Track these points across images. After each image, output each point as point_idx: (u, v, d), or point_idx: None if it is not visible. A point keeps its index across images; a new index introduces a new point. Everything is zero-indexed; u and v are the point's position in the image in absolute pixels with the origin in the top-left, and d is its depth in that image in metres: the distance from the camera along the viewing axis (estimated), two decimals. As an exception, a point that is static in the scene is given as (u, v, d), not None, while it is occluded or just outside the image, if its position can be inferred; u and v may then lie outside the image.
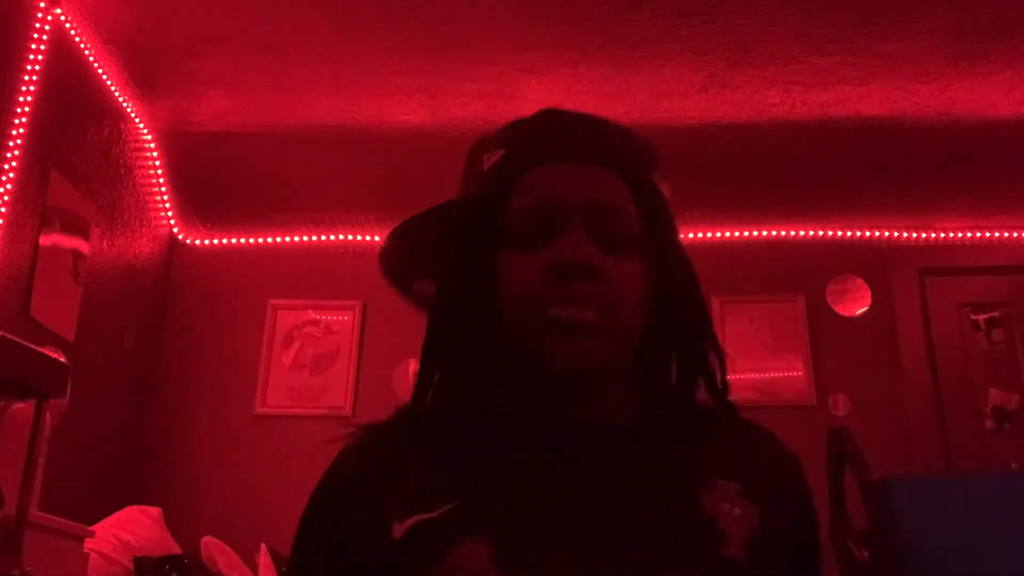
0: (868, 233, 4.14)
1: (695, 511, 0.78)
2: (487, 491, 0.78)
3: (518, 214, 0.83)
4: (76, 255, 3.29)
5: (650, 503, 0.78)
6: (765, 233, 4.17)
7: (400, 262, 0.97)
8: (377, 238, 4.10)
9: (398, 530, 0.76)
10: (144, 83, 3.50)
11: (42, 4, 3.02)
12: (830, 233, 4.16)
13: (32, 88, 2.97)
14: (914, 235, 4.13)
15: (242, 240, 4.23)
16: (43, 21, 3.02)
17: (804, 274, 4.09)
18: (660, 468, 0.81)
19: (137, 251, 3.83)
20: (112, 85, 3.47)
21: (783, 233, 4.17)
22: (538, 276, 0.80)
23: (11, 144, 2.89)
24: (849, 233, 4.15)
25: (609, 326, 0.80)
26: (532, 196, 0.83)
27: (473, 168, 0.90)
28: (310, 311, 4.10)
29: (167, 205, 4.06)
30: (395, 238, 0.96)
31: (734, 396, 0.92)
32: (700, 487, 0.79)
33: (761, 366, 3.98)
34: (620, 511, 0.77)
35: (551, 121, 0.90)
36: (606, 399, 0.84)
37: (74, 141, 3.28)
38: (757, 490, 0.81)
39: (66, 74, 3.18)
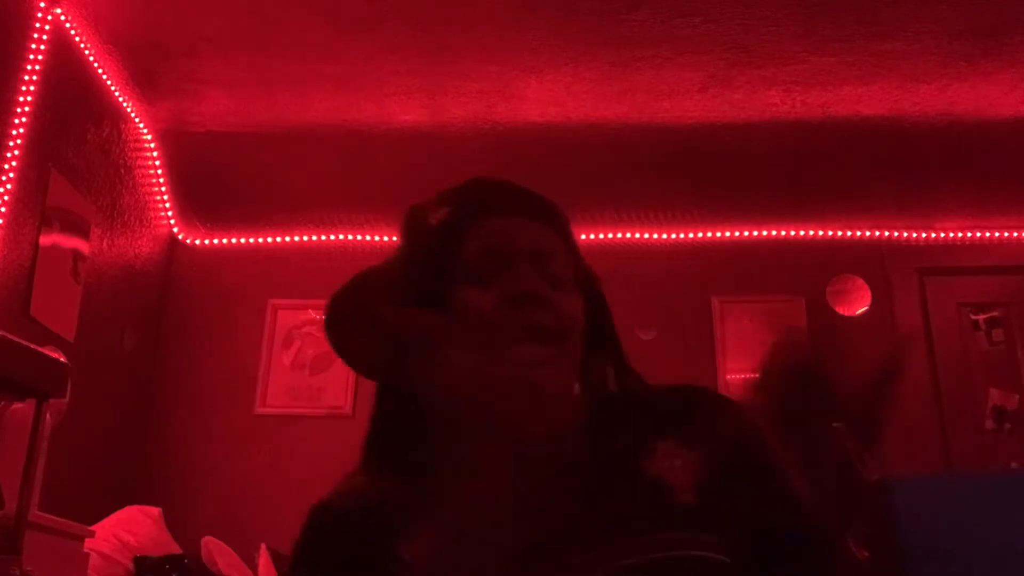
0: (868, 233, 4.14)
1: (639, 476, 0.87)
2: (467, 499, 0.82)
3: (473, 255, 0.93)
4: (76, 255, 3.29)
5: (605, 485, 0.87)
6: (765, 233, 4.17)
7: (345, 325, 1.05)
8: (377, 238, 4.11)
9: (406, 550, 0.80)
10: (144, 83, 3.50)
11: (42, 4, 3.02)
12: (830, 233, 4.16)
13: (32, 88, 2.97)
14: (914, 235, 4.13)
15: (242, 240, 4.23)
16: (43, 21, 3.02)
17: (804, 274, 4.09)
18: (606, 453, 0.90)
19: (137, 251, 3.83)
20: (112, 85, 3.47)
21: (783, 233, 4.16)
22: (493, 303, 0.89)
23: (11, 144, 2.89)
24: (849, 233, 4.15)
25: (562, 356, 0.90)
26: (485, 240, 0.93)
27: (416, 225, 1.00)
28: (310, 311, 4.09)
29: (167, 205, 4.06)
30: (338, 305, 1.06)
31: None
32: (641, 456, 0.88)
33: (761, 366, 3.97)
34: (580, 498, 0.85)
35: (485, 185, 1.02)
36: (554, 422, 0.91)
37: (74, 141, 3.28)
38: (694, 437, 0.90)
39: (66, 74, 3.18)
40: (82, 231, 3.33)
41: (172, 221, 4.14)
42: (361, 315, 1.02)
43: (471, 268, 0.92)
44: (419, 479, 0.86)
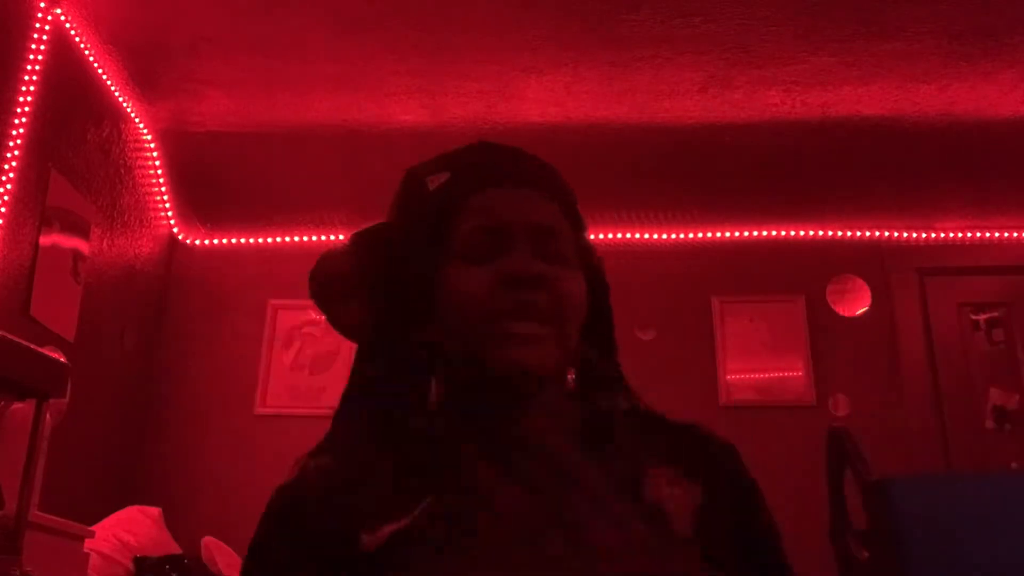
0: (868, 233, 4.14)
1: (637, 498, 0.83)
2: (449, 499, 0.80)
3: (469, 231, 0.89)
4: (76, 255, 3.29)
5: (597, 499, 0.82)
6: (765, 233, 4.17)
7: (337, 287, 1.00)
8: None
9: (368, 542, 0.77)
10: (144, 83, 3.50)
11: (42, 4, 3.02)
12: (830, 233, 4.16)
13: (32, 88, 2.97)
14: (914, 235, 4.13)
15: (242, 240, 4.23)
16: (43, 21, 3.02)
17: (804, 274, 4.09)
18: (602, 467, 0.85)
19: (137, 251, 3.83)
20: (112, 85, 3.47)
21: (783, 233, 4.17)
22: (490, 286, 0.86)
23: (11, 144, 2.89)
24: (849, 233, 4.15)
25: (556, 333, 0.87)
26: (482, 216, 0.89)
27: (414, 189, 0.96)
28: (310, 311, 4.09)
29: (167, 205, 4.06)
30: (332, 259, 1.00)
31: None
32: (639, 478, 0.84)
33: (761, 366, 3.98)
34: (574, 514, 0.80)
35: (492, 150, 0.98)
36: (548, 402, 0.88)
37: (74, 141, 3.28)
38: (696, 470, 0.87)
39: (66, 74, 3.18)
40: (82, 231, 3.33)
41: (172, 221, 4.14)
42: (349, 274, 0.98)
43: (467, 245, 0.88)
44: (395, 454, 0.84)
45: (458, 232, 0.89)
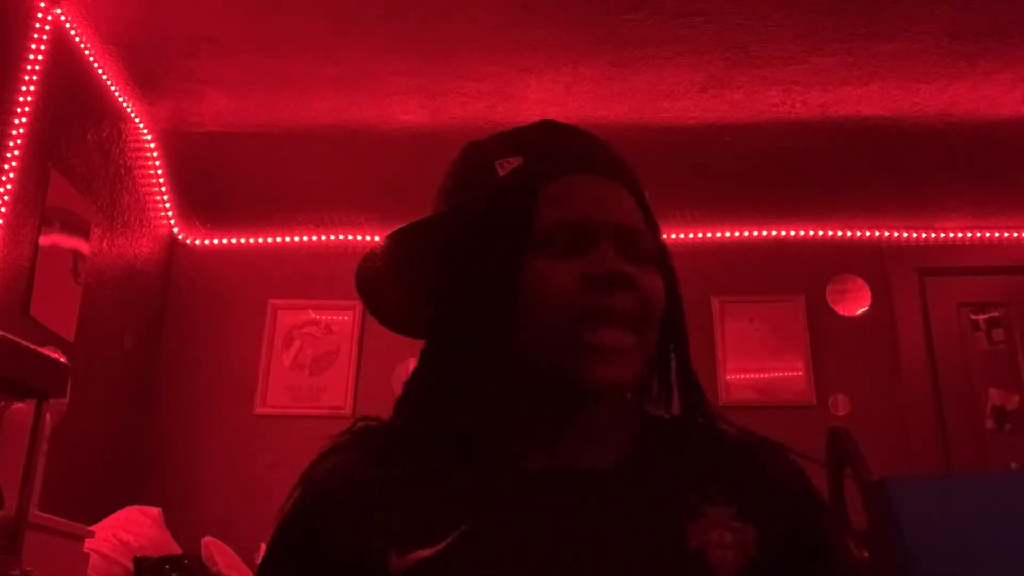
0: (868, 233, 4.14)
1: (681, 543, 0.76)
2: (482, 530, 0.76)
3: (552, 224, 0.82)
4: (76, 255, 3.28)
5: (637, 540, 0.77)
6: (765, 233, 4.17)
7: (387, 268, 0.93)
8: (377, 238, 4.09)
9: (397, 565, 0.74)
10: (144, 83, 3.50)
11: (42, 4, 3.02)
12: (830, 233, 4.15)
13: (32, 88, 2.97)
14: (914, 235, 4.13)
15: (242, 240, 4.23)
16: (43, 21, 3.02)
17: (804, 274, 4.09)
18: (648, 502, 0.80)
19: (137, 251, 3.83)
20: (112, 85, 3.47)
21: (783, 233, 4.16)
22: (576, 284, 0.80)
23: (11, 144, 2.89)
24: (849, 233, 4.15)
25: (643, 339, 0.82)
26: (566, 208, 0.83)
27: (480, 173, 0.88)
28: (310, 311, 4.10)
29: (167, 205, 4.06)
30: (390, 243, 0.93)
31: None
32: (687, 517, 0.78)
33: (761, 366, 3.98)
34: (608, 549, 0.76)
35: (563, 132, 0.91)
36: (608, 425, 0.84)
37: (74, 141, 3.28)
38: (755, 509, 0.80)
39: (66, 74, 3.18)
40: (82, 231, 3.33)
41: (172, 221, 4.14)
42: (404, 268, 0.90)
43: (548, 239, 0.81)
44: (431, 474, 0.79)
45: (539, 224, 0.82)
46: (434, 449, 0.82)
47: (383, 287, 0.94)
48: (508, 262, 0.81)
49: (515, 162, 0.86)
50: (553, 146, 0.88)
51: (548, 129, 0.91)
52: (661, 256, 0.87)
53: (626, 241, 0.83)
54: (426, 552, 0.74)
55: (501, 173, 0.86)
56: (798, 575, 0.79)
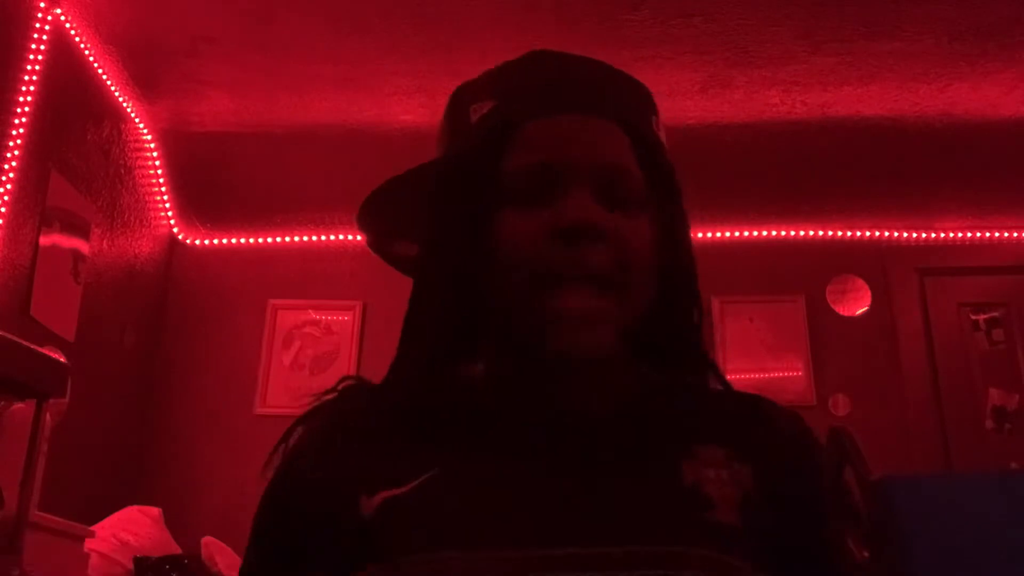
0: (868, 233, 4.14)
1: (675, 481, 0.73)
2: (459, 470, 0.74)
3: (518, 172, 0.76)
4: (76, 255, 3.28)
5: (630, 479, 0.74)
6: (765, 233, 4.17)
7: (381, 221, 0.92)
8: (377, 238, 4.10)
9: (367, 505, 0.72)
10: (144, 83, 3.50)
11: (42, 4, 3.02)
12: (830, 233, 4.15)
13: (32, 88, 2.97)
14: (914, 235, 4.13)
15: (242, 240, 4.23)
16: (43, 21, 3.02)
17: (804, 274, 4.09)
18: (644, 445, 0.77)
19: (137, 251, 3.83)
20: (112, 85, 3.47)
21: (783, 233, 4.16)
22: (542, 238, 0.73)
23: (11, 144, 2.89)
24: (849, 233, 4.15)
25: (619, 297, 0.75)
26: (533, 153, 0.76)
27: (458, 120, 0.84)
28: (310, 311, 4.10)
29: (167, 205, 4.06)
30: (376, 197, 0.91)
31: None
32: (682, 457, 0.75)
33: (761, 366, 3.98)
34: (600, 490, 0.73)
35: (545, 67, 0.83)
36: (598, 378, 0.79)
37: (74, 141, 3.28)
38: (751, 449, 0.77)
39: (66, 74, 3.18)
40: (82, 231, 3.33)
41: (172, 221, 4.14)
42: (398, 208, 0.88)
43: (515, 189, 0.75)
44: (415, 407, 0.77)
45: (505, 173, 0.76)
46: (418, 395, 0.79)
47: (382, 231, 0.93)
48: (472, 219, 0.76)
49: (487, 106, 0.80)
50: (528, 85, 0.81)
51: (530, 64, 0.83)
52: (661, 198, 0.80)
53: (605, 184, 0.75)
54: (396, 491, 0.72)
55: (473, 119, 0.81)
56: (796, 513, 0.77)
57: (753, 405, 0.83)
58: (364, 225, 0.93)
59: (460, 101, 0.85)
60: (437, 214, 0.81)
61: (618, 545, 0.69)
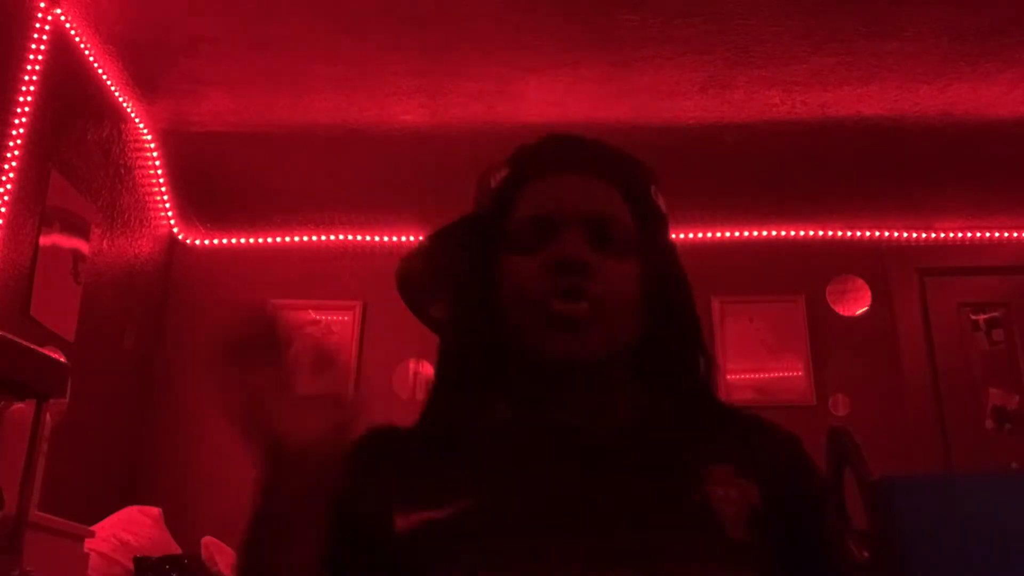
0: (868, 233, 4.14)
1: (687, 497, 0.80)
2: (494, 497, 0.80)
3: (521, 222, 0.89)
4: (76, 255, 3.28)
5: (641, 497, 0.80)
6: (765, 233, 4.17)
7: (416, 288, 1.03)
8: (377, 238, 4.11)
9: (401, 522, 0.79)
10: (144, 83, 3.50)
11: (42, 4, 3.02)
12: (830, 233, 4.16)
13: (32, 88, 2.97)
14: (914, 235, 4.13)
15: (242, 240, 4.23)
16: (43, 21, 3.02)
17: (804, 274, 4.09)
18: (655, 464, 0.83)
19: (137, 251, 3.83)
20: (112, 85, 3.47)
21: (783, 233, 4.16)
22: (536, 272, 0.86)
23: (11, 144, 2.89)
24: (849, 233, 4.15)
25: (602, 319, 0.85)
26: (534, 206, 0.90)
27: (481, 187, 0.97)
28: (310, 311, 4.10)
29: (167, 205, 4.06)
30: (410, 263, 1.04)
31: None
32: (692, 474, 0.82)
33: (761, 366, 3.98)
34: (616, 508, 0.79)
35: (553, 140, 0.97)
36: (604, 396, 0.88)
37: (74, 141, 3.28)
38: (754, 468, 0.83)
39: (66, 74, 3.18)
40: (82, 231, 3.33)
41: (172, 221, 4.14)
42: (431, 271, 1.01)
43: (519, 236, 0.89)
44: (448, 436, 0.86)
45: (510, 225, 0.90)
46: (456, 427, 0.89)
47: (420, 295, 1.04)
48: (482, 262, 0.90)
49: (503, 173, 0.95)
50: (536, 153, 0.96)
51: (543, 139, 0.98)
52: (648, 244, 0.91)
53: (594, 227, 0.88)
54: (431, 514, 0.79)
55: (492, 184, 0.95)
56: (799, 529, 0.83)
57: (754, 425, 0.90)
58: (402, 291, 1.05)
59: (485, 173, 0.99)
60: (459, 265, 0.95)
61: (643, 570, 0.75)
